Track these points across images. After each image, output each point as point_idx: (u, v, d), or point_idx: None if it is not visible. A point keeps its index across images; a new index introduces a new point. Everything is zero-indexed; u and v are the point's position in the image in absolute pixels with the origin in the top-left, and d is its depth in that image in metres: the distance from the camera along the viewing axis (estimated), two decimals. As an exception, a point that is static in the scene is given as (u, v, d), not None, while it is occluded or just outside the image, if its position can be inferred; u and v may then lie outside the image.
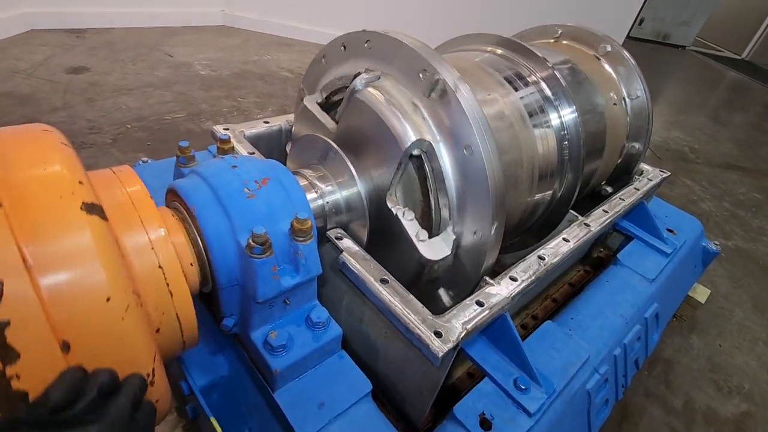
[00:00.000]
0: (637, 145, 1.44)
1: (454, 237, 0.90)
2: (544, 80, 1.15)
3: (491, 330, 0.92)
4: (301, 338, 0.80)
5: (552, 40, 1.57)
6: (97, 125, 2.22)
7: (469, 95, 0.84)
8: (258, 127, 1.27)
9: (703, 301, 1.68)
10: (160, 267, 0.61)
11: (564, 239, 1.09)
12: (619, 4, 4.51)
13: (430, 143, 0.87)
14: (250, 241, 0.70)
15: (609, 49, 1.42)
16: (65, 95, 2.43)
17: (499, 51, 1.23)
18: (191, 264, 0.71)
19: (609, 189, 1.52)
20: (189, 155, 0.88)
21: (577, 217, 1.21)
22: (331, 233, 0.94)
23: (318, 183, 0.93)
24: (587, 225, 1.16)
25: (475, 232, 0.88)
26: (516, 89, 1.11)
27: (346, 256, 0.88)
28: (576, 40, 1.52)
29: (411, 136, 0.86)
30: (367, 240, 0.96)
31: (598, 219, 1.22)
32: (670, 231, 1.57)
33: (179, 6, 3.86)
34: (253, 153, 1.13)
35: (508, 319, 0.90)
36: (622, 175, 1.52)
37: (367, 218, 0.94)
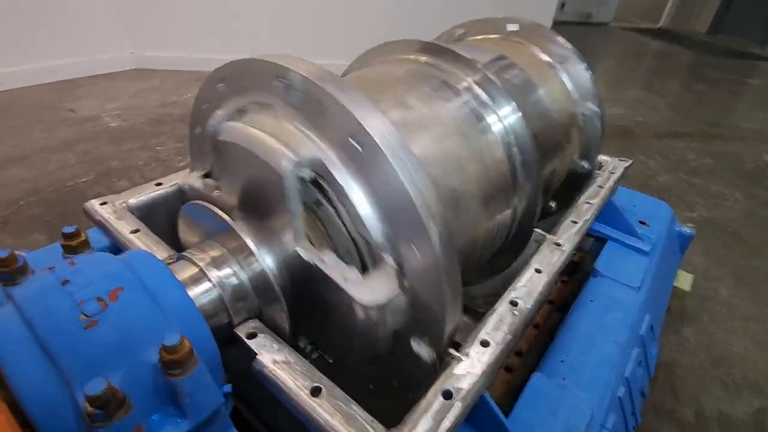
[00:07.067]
0: (591, 128, 1.29)
1: (395, 267, 0.65)
2: (477, 84, 0.98)
3: (469, 416, 0.71)
4: (209, 501, 0.56)
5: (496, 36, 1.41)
6: (-20, 208, 1.88)
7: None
8: (147, 192, 1.02)
9: (688, 289, 1.56)
10: None
11: (536, 270, 0.90)
12: (540, -9, 4.54)
13: (321, 160, 0.66)
14: (87, 405, 0.46)
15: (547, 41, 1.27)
16: (-62, 178, 2.07)
17: (423, 58, 1.05)
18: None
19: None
20: (14, 268, 0.61)
21: (544, 236, 1.03)
22: (242, 330, 0.70)
23: (211, 268, 0.70)
24: (558, 245, 0.99)
25: (416, 248, 0.63)
26: (447, 100, 0.93)
27: (261, 362, 0.65)
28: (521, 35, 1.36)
29: (287, 154, 0.67)
30: (290, 327, 0.73)
31: (569, 233, 1.04)
32: (643, 223, 1.43)
33: (81, 55, 3.50)
34: (138, 231, 0.88)
35: (488, 400, 0.69)
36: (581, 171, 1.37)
37: (281, 299, 0.71)
